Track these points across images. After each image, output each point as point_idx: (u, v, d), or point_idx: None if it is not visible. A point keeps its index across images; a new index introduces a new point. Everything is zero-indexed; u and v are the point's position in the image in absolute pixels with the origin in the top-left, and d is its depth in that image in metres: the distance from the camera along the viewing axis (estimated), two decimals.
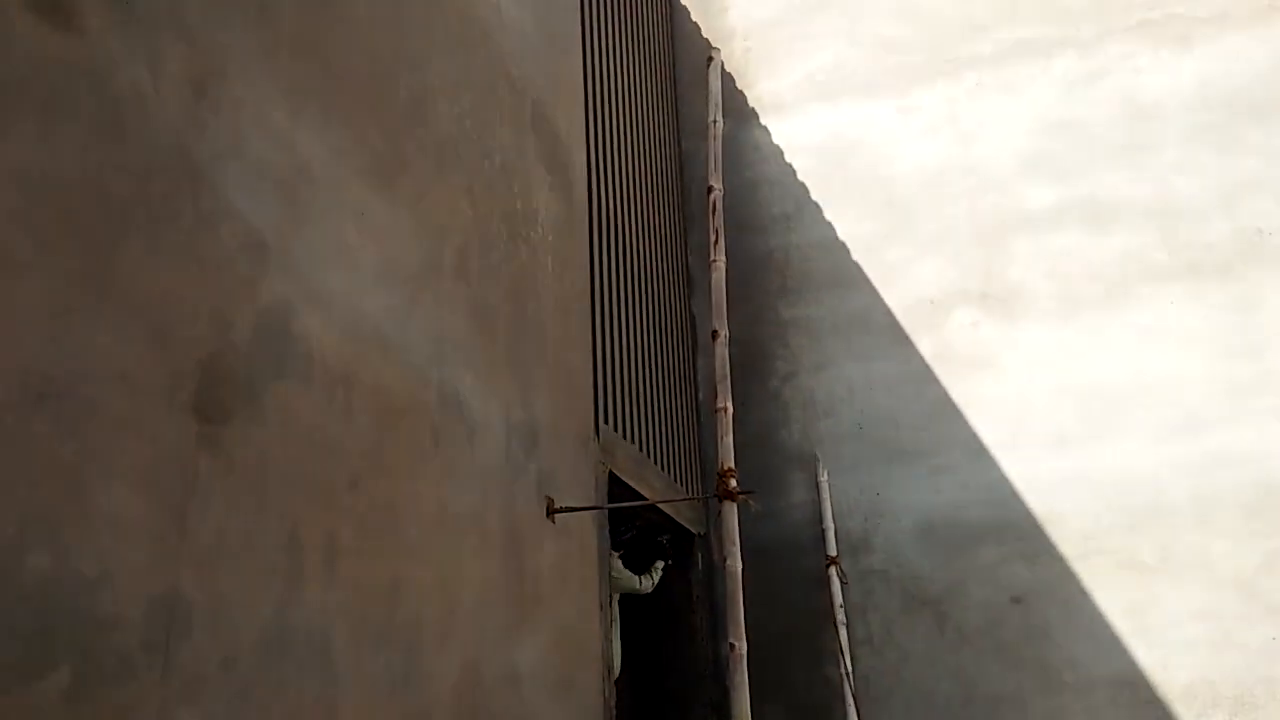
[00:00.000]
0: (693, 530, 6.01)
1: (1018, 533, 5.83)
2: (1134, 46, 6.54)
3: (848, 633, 5.89)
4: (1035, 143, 6.56)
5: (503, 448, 3.32)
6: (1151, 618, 5.47)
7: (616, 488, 4.53)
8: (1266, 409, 5.62)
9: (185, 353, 1.87)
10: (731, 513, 3.68)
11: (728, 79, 7.24)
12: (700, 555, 6.13)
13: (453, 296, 3.10)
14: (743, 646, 3.50)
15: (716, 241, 4.37)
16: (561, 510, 3.67)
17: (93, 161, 1.72)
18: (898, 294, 6.56)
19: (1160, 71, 6.44)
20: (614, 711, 4.14)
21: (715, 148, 4.81)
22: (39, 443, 1.54)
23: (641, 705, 5.84)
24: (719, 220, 4.44)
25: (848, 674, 5.69)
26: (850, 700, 5.64)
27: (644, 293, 5.58)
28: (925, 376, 6.31)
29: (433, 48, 3.22)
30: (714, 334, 4.13)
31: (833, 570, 5.99)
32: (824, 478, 6.23)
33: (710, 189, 4.58)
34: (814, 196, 6.97)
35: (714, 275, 4.30)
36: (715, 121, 4.88)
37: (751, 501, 4.55)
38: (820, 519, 6.15)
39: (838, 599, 5.92)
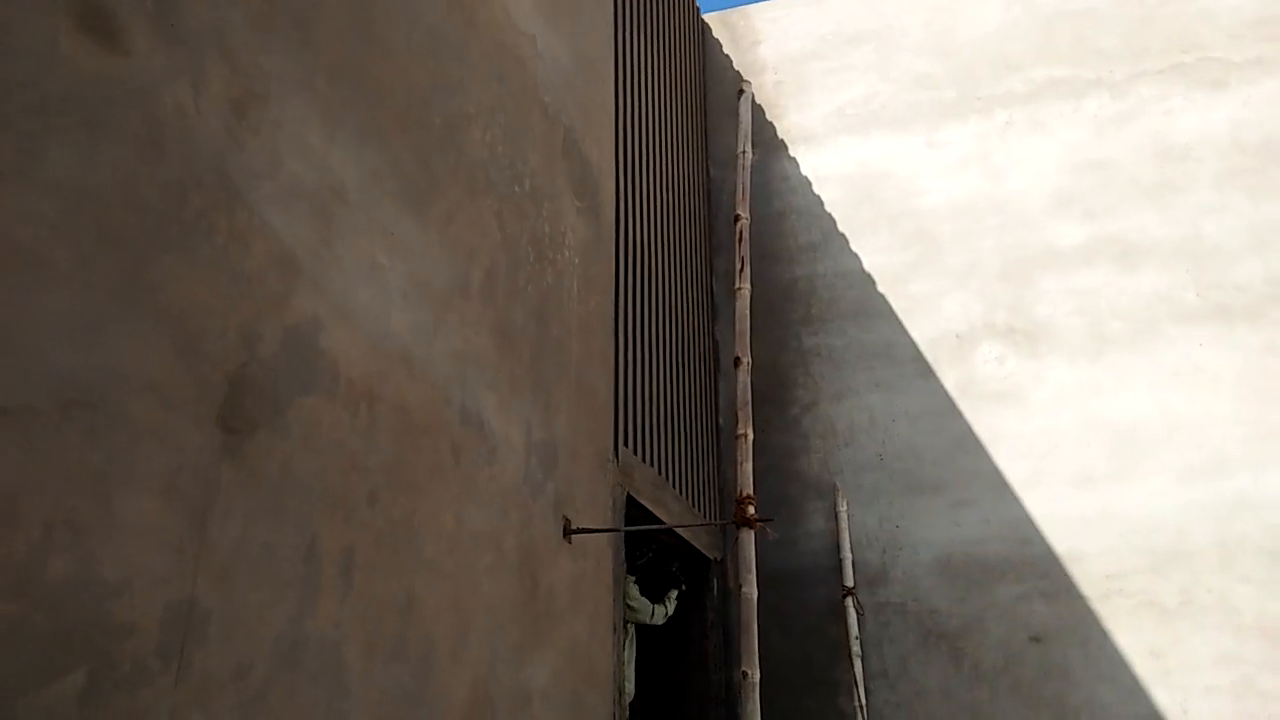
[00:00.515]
0: (709, 555, 6.01)
1: (1038, 570, 5.79)
2: (1167, 89, 6.54)
3: (862, 665, 5.86)
4: (1065, 181, 6.56)
5: (522, 467, 3.35)
6: (1173, 661, 5.40)
7: (634, 510, 4.55)
8: None
9: (213, 365, 1.91)
10: (749, 540, 3.69)
11: (758, 110, 7.31)
12: (715, 581, 6.13)
13: (479, 317, 3.14)
14: (755, 674, 3.50)
15: (742, 269, 4.41)
16: (578, 531, 3.70)
17: (132, 176, 1.78)
18: (923, 326, 6.56)
19: (1193, 114, 6.43)
20: None
21: (744, 178, 4.86)
22: (68, 449, 1.58)
23: None
24: (745, 248, 4.48)
25: (861, 706, 5.66)
26: None
27: (668, 318, 5.62)
28: (949, 410, 6.30)
29: (468, 75, 3.29)
30: (736, 360, 4.16)
31: (849, 601, 5.96)
32: (843, 507, 6.22)
33: (738, 217, 4.62)
34: (841, 227, 6.99)
35: (739, 302, 4.33)
36: (744, 152, 4.93)
37: (769, 529, 4.56)
38: (838, 549, 6.14)
39: (853, 630, 5.89)
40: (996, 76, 6.95)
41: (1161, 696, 5.36)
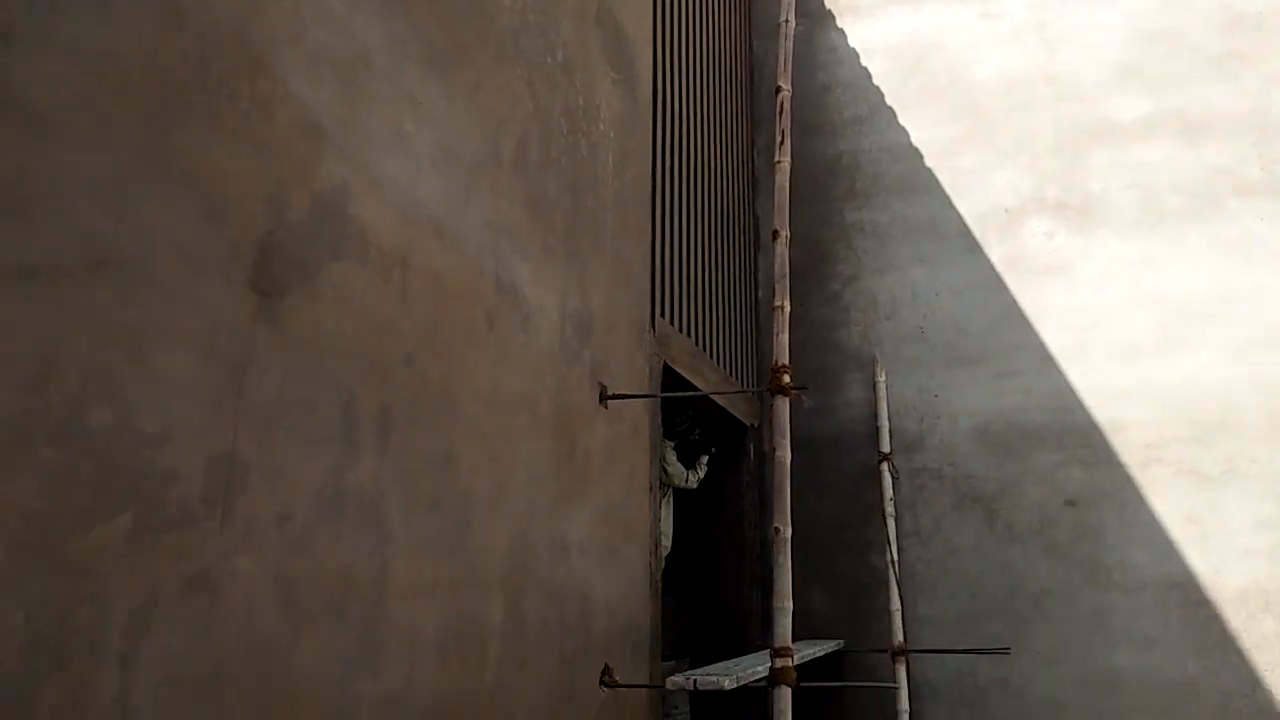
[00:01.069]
0: (746, 422, 6.14)
1: (1077, 439, 5.82)
2: None
3: (896, 525, 5.99)
4: (1127, 52, 6.32)
5: (558, 335, 3.43)
6: (1210, 526, 5.45)
7: (671, 379, 4.65)
8: None
9: (241, 230, 1.96)
10: (783, 407, 3.76)
11: None
12: (752, 446, 6.28)
13: (510, 187, 3.17)
14: (787, 531, 3.62)
15: (782, 142, 4.36)
16: (614, 397, 3.80)
17: (152, 42, 1.80)
18: (970, 201, 6.47)
19: None
20: (659, 583, 4.34)
21: (786, 48, 4.75)
22: (99, 308, 1.62)
23: (690, 579, 6.10)
24: (786, 121, 4.42)
25: (893, 561, 5.81)
26: (894, 585, 5.78)
27: (707, 192, 5.60)
28: (994, 284, 6.26)
29: None
30: (775, 234, 4.17)
31: (884, 466, 6.07)
32: (882, 378, 6.27)
33: (779, 89, 4.55)
34: (889, 101, 6.84)
35: (778, 176, 4.30)
36: (786, 21, 4.82)
37: (804, 397, 4.64)
38: (875, 417, 6.22)
39: (888, 493, 6.02)
40: None
41: (1195, 559, 5.43)
